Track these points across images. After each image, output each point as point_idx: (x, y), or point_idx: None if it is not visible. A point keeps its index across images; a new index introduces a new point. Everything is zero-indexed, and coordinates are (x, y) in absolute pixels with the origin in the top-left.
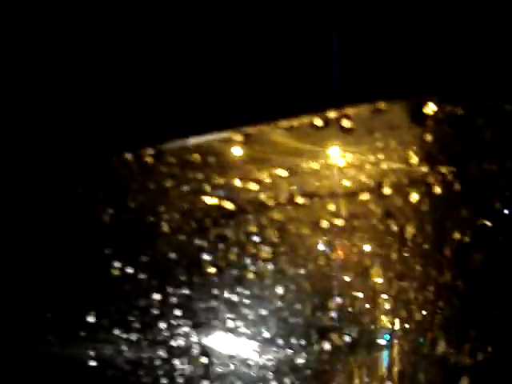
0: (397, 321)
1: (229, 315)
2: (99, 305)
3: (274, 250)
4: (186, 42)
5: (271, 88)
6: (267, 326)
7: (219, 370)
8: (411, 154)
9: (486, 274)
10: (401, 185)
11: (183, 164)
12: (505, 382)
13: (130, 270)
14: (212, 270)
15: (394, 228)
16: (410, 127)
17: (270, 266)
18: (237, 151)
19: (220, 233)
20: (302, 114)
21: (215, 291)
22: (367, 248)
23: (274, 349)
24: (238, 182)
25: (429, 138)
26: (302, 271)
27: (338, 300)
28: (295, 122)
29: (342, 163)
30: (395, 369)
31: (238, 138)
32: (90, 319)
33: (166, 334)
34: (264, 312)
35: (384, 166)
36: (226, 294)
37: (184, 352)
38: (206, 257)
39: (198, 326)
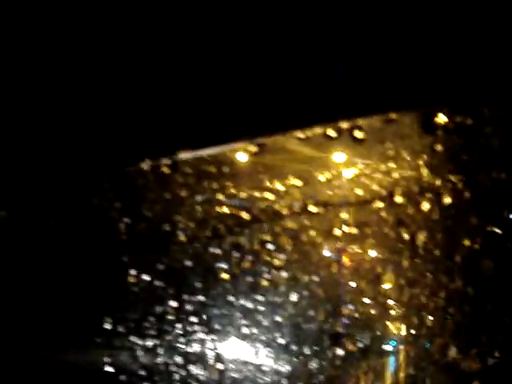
0: (406, 327)
1: (243, 322)
2: (116, 312)
3: (288, 258)
4: (203, 54)
5: (285, 98)
6: (281, 332)
7: (234, 375)
8: (422, 163)
9: (495, 281)
10: (412, 193)
11: (199, 174)
12: None
13: (146, 278)
14: (227, 277)
15: (406, 236)
16: (421, 137)
17: (284, 274)
18: (251, 161)
19: (235, 241)
20: (315, 124)
21: (230, 298)
22: (379, 255)
23: (288, 355)
24: (252, 192)
25: (439, 147)
26: (316, 278)
27: (350, 307)
28: (308, 133)
29: (354, 173)
30: (403, 374)
31: (252, 148)
32: (107, 326)
33: (181, 340)
34: (278, 318)
35: (395, 175)
36: (241, 301)
37: (199, 358)
38: (220, 264)
39: (213, 333)
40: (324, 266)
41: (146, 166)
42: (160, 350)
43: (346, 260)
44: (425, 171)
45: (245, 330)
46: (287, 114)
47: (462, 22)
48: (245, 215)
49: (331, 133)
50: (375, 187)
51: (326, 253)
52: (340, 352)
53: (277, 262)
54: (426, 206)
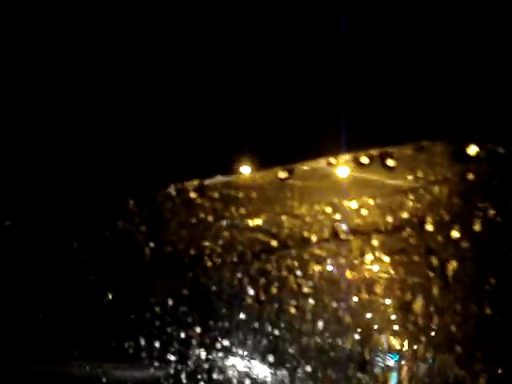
0: (434, 353)
1: (269, 348)
2: (139, 336)
3: (315, 285)
4: (233, 85)
5: (316, 124)
6: (307, 359)
7: None
8: (453, 191)
9: None
10: (442, 221)
11: (226, 199)
12: None
13: (170, 303)
14: (253, 303)
15: (435, 263)
16: (452, 165)
17: (311, 301)
18: (280, 187)
19: (261, 267)
20: (346, 150)
21: (256, 325)
22: (409, 282)
23: (313, 382)
24: (280, 217)
25: (470, 175)
26: (343, 305)
27: (378, 334)
28: (340, 159)
29: (384, 200)
30: None
31: (282, 174)
32: (130, 350)
33: (205, 366)
34: (304, 345)
35: (426, 202)
36: (267, 328)
37: None
38: (247, 290)
39: (238, 359)
40: (352, 293)
41: (172, 189)
42: (183, 376)
43: (374, 287)
44: (456, 199)
45: (271, 358)
46: (318, 140)
47: (495, 53)
48: (272, 241)
49: (363, 159)
50: (406, 215)
51: (354, 280)
52: (367, 379)
53: (304, 289)
54: (456, 234)
